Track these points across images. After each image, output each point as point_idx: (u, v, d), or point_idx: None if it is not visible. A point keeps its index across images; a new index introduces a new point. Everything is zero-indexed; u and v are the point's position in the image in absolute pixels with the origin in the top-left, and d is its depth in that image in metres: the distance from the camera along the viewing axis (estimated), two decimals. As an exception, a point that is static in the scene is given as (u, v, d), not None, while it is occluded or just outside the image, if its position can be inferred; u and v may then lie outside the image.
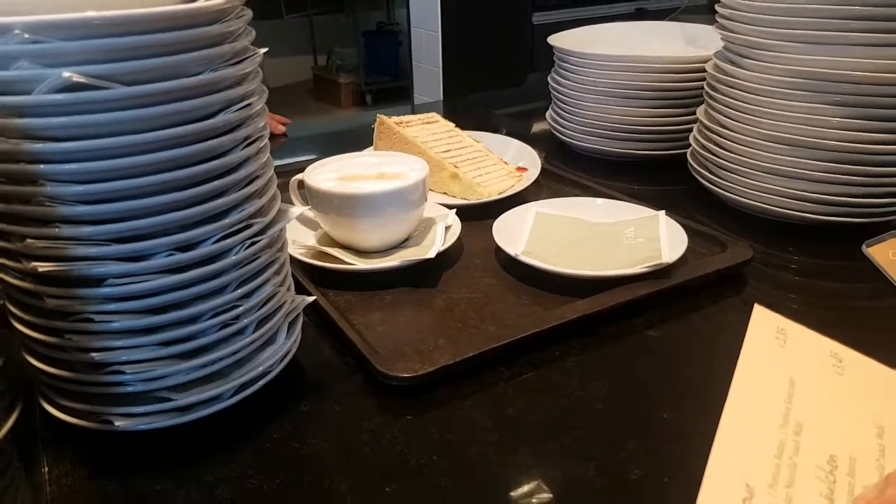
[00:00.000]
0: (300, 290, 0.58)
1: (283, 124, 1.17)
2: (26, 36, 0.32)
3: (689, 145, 0.83)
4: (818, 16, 0.64)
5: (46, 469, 0.43)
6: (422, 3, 2.53)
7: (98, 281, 0.38)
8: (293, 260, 0.61)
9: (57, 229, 0.37)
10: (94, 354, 0.40)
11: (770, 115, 0.68)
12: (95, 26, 0.33)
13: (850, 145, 0.65)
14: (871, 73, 0.62)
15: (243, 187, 0.42)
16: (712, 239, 0.67)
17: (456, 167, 0.80)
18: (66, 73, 0.33)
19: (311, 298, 0.52)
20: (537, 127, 1.13)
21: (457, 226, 0.69)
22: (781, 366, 0.46)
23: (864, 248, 0.66)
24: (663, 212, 0.69)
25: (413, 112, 0.90)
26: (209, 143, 0.39)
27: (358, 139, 0.93)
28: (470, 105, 1.43)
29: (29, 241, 0.37)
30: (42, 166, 0.36)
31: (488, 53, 2.45)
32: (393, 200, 0.64)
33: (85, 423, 0.43)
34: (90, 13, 0.33)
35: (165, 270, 0.39)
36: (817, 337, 0.48)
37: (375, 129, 0.86)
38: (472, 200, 0.78)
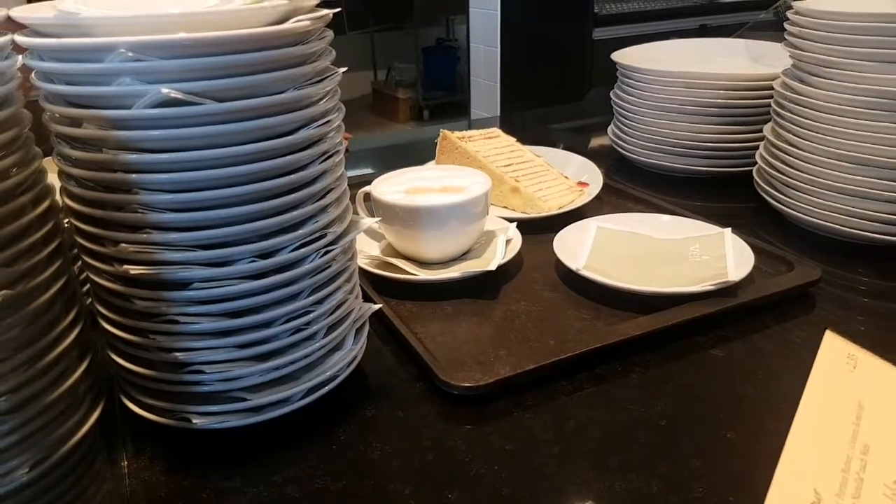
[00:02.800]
0: (365, 299, 0.59)
1: (346, 138, 1.20)
2: (130, 54, 0.35)
3: (755, 163, 0.82)
4: (889, 34, 0.63)
5: (126, 463, 0.45)
6: (482, 19, 2.56)
7: (184, 284, 0.41)
8: (359, 269, 0.62)
9: (148, 235, 0.40)
10: (177, 354, 0.42)
11: (840, 134, 0.67)
12: (191, 46, 0.35)
13: (924, 165, 0.64)
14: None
15: (319, 199, 0.44)
16: (779, 258, 0.66)
17: (517, 181, 0.81)
18: (164, 89, 0.35)
19: (378, 306, 0.54)
20: (596, 142, 1.13)
21: (517, 239, 0.70)
22: (851, 388, 0.45)
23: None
24: (729, 229, 0.68)
25: (470, 127, 0.91)
26: (290, 157, 0.41)
27: (416, 153, 0.95)
28: (528, 120, 1.44)
29: (122, 245, 0.40)
30: (136, 175, 0.38)
31: (547, 69, 2.45)
32: (455, 213, 0.65)
33: (164, 420, 0.45)
34: (186, 34, 0.35)
35: (246, 276, 0.41)
36: (889, 366, 0.47)
37: (438, 144, 0.87)
38: (533, 214, 0.78)
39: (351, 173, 0.99)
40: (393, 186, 0.70)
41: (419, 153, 0.93)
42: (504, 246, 0.68)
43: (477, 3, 2.60)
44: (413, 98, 4.31)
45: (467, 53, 2.76)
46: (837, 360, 0.47)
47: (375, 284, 0.65)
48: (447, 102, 4.26)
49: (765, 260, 0.66)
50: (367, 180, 0.71)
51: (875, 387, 0.45)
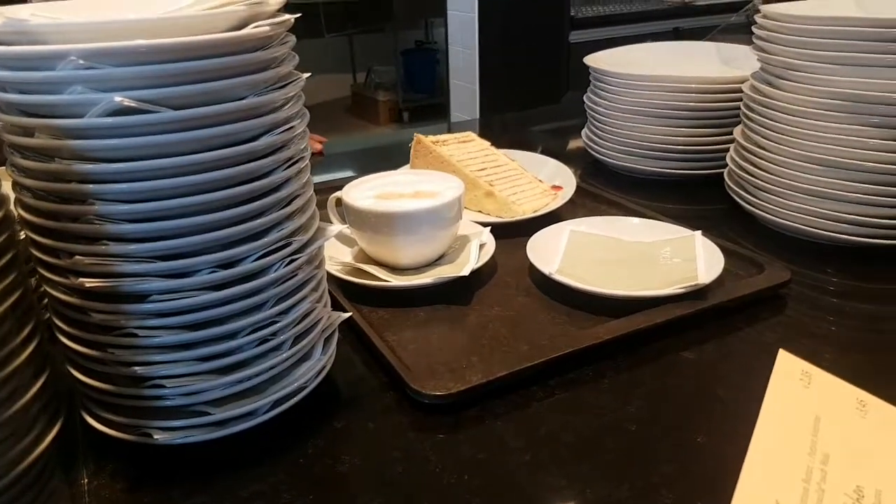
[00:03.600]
0: (335, 305, 0.58)
1: (321, 142, 1.19)
2: (81, 62, 0.34)
3: (726, 165, 0.82)
4: (856, 38, 0.63)
5: (86, 480, 0.44)
6: (460, 21, 2.56)
7: (142, 297, 0.40)
8: (329, 276, 0.62)
9: (104, 246, 0.38)
10: (136, 368, 0.41)
11: (808, 136, 0.68)
12: (145, 53, 0.34)
13: (889, 167, 0.64)
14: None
15: (283, 207, 0.43)
16: (749, 260, 0.66)
17: (491, 185, 0.81)
18: (117, 98, 0.34)
19: (347, 315, 0.53)
20: (573, 145, 1.13)
21: (491, 244, 0.70)
22: (806, 404, 0.46)
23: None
24: (699, 232, 0.68)
25: (449, 129, 0.90)
26: (252, 164, 0.40)
27: (394, 156, 0.94)
28: (506, 123, 1.44)
29: (77, 257, 0.39)
30: (92, 186, 0.37)
31: (525, 72, 2.46)
32: (428, 218, 0.65)
33: (124, 435, 0.44)
34: (140, 41, 0.34)
35: (207, 287, 0.40)
36: (841, 382, 0.48)
37: (412, 148, 0.87)
38: (507, 218, 0.78)
39: (328, 177, 0.99)
40: (365, 192, 0.69)
41: (398, 156, 0.92)
42: (477, 251, 0.68)
43: (455, 6, 2.60)
44: (393, 100, 4.30)
45: (446, 56, 2.76)
46: (791, 378, 0.48)
47: (346, 291, 0.64)
48: (427, 105, 4.25)
49: (735, 262, 0.66)
50: (340, 185, 0.70)
51: (830, 401, 0.46)
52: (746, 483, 0.38)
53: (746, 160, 0.76)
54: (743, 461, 0.40)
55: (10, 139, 0.39)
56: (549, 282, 0.63)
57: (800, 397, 0.46)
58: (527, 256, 0.66)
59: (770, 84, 0.72)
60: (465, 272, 0.63)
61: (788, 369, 0.48)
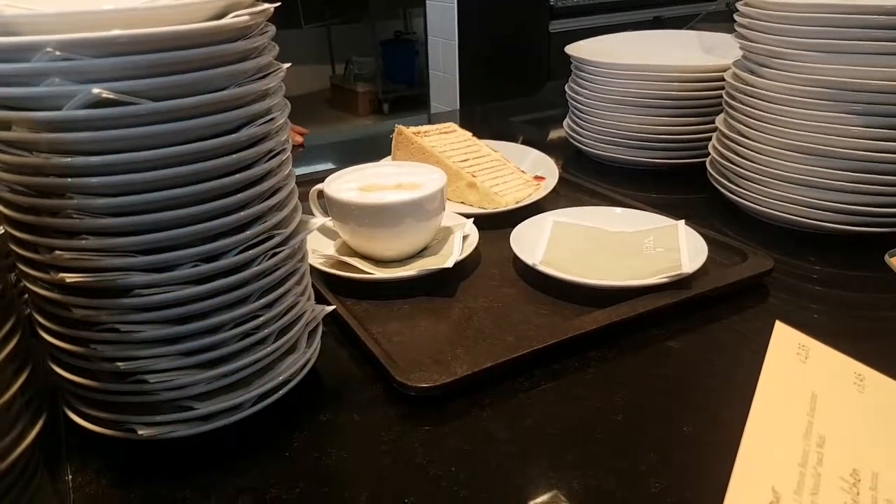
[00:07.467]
0: (319, 299, 0.58)
1: (301, 134, 1.18)
2: (57, 53, 0.33)
3: (708, 154, 0.82)
4: (838, 24, 0.63)
5: (70, 477, 0.44)
6: (439, 11, 2.54)
7: (124, 291, 0.39)
8: (312, 269, 0.61)
9: (84, 241, 0.38)
10: (118, 364, 0.40)
11: (790, 125, 0.68)
12: (123, 44, 0.34)
13: (872, 154, 0.65)
14: (891, 81, 0.62)
15: (266, 199, 0.43)
16: (733, 249, 0.67)
17: (473, 176, 0.80)
18: (95, 90, 0.34)
19: (331, 308, 0.53)
20: (554, 135, 1.13)
21: (474, 235, 0.70)
22: (803, 380, 0.46)
23: (886, 258, 0.66)
24: (683, 221, 0.68)
25: (430, 121, 0.90)
26: (233, 156, 0.39)
27: (375, 148, 0.94)
28: (487, 113, 1.44)
29: (57, 252, 0.38)
30: (70, 179, 0.37)
31: (505, 62, 2.45)
32: (411, 210, 0.65)
33: (109, 431, 0.43)
34: (118, 31, 0.33)
35: (190, 281, 0.40)
36: (839, 355, 0.48)
37: (394, 139, 0.86)
38: (490, 209, 0.78)
39: (309, 169, 0.98)
40: (347, 184, 0.68)
41: (379, 148, 0.92)
42: (461, 242, 0.68)
43: (433, -5, 2.58)
44: (372, 92, 4.28)
45: (425, 46, 2.74)
46: (789, 351, 0.48)
47: (330, 284, 0.63)
48: (407, 96, 4.24)
49: (718, 251, 0.66)
50: (322, 178, 0.70)
51: (827, 376, 0.46)
52: (742, 469, 0.38)
53: (728, 149, 0.76)
54: (729, 449, 0.41)
55: (-14, 132, 0.38)
56: (533, 272, 0.63)
57: (797, 373, 0.46)
58: (510, 247, 0.66)
59: (752, 72, 0.72)
60: (449, 264, 0.63)
61: (785, 342, 0.48)
